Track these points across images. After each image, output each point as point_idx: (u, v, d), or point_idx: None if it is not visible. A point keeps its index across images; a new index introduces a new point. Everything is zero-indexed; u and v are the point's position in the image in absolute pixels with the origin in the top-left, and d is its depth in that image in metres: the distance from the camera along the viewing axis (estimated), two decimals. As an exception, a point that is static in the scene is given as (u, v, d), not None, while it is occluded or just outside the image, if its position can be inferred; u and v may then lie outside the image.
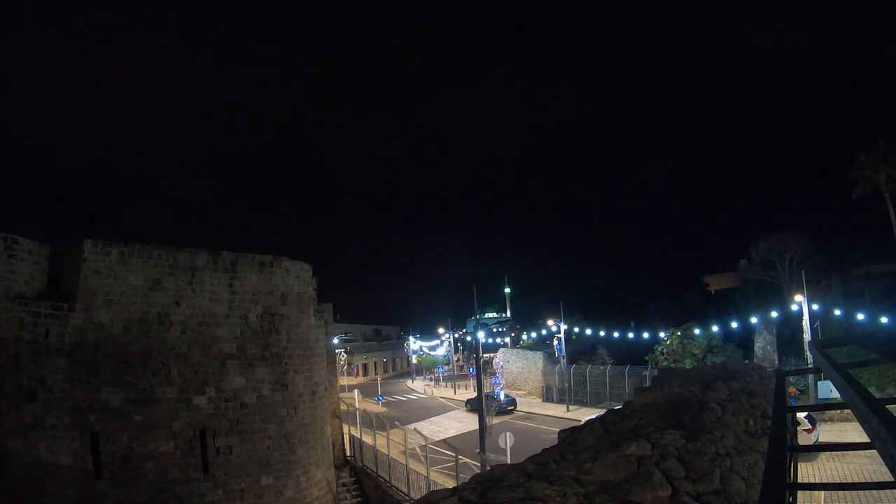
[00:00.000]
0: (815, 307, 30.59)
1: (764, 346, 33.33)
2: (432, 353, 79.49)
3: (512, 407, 39.82)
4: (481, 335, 33.86)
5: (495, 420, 34.97)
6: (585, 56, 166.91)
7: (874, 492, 15.05)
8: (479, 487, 3.57)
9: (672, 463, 3.69)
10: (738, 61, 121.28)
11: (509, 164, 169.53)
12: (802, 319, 29.70)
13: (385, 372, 77.25)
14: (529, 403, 43.41)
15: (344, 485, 23.75)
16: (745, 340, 35.79)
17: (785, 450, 4.06)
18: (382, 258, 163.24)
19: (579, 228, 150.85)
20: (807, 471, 17.64)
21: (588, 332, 48.31)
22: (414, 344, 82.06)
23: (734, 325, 35.68)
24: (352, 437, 27.12)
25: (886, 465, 2.50)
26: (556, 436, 5.52)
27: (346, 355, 63.98)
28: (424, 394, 56.09)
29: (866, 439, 3.24)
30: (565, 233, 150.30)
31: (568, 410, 38.17)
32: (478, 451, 21.89)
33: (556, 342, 46.87)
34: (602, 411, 6.60)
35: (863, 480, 16.90)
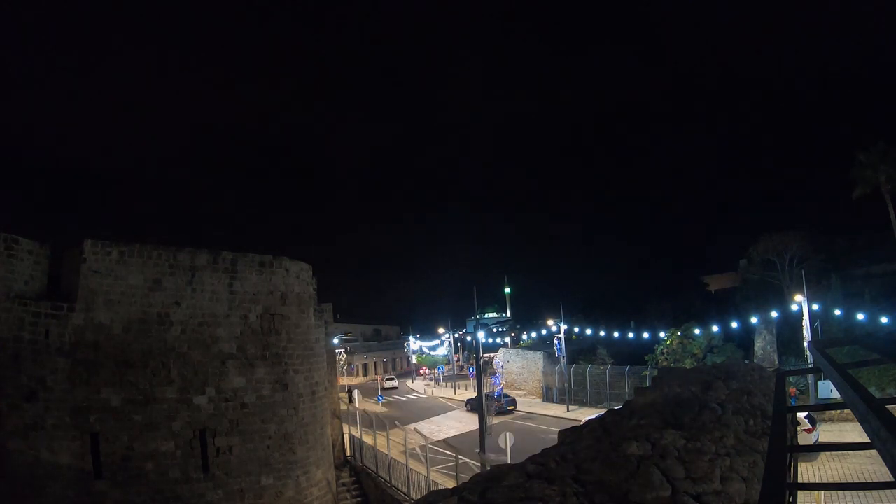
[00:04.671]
0: (815, 307, 30.58)
1: (764, 346, 33.31)
2: (432, 353, 79.51)
3: (512, 407, 39.82)
4: (481, 335, 33.86)
5: (495, 420, 34.97)
6: (586, 55, 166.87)
7: (874, 492, 15.05)
8: (479, 487, 3.58)
9: (672, 463, 3.70)
10: (739, 62, 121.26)
11: (509, 164, 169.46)
12: (802, 319, 29.69)
13: (385, 372, 77.24)
14: (529, 403, 43.41)
15: (344, 485, 23.74)
16: (745, 340, 35.78)
17: (785, 450, 4.05)
18: (382, 258, 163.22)
19: (579, 228, 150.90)
20: (807, 471, 17.63)
21: (588, 332, 48.29)
22: (414, 344, 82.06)
23: (734, 325, 35.65)
24: (352, 437, 27.12)
25: (886, 465, 2.50)
26: (556, 436, 5.53)
27: (346, 355, 63.96)
28: (424, 394, 56.09)
29: (866, 439, 3.24)
30: (565, 233, 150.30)
31: (568, 410, 38.17)
32: (478, 451, 21.90)
33: (556, 342, 46.83)
34: (602, 411, 6.61)
35: (863, 480, 16.90)
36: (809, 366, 20.51)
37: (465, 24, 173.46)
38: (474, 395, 35.88)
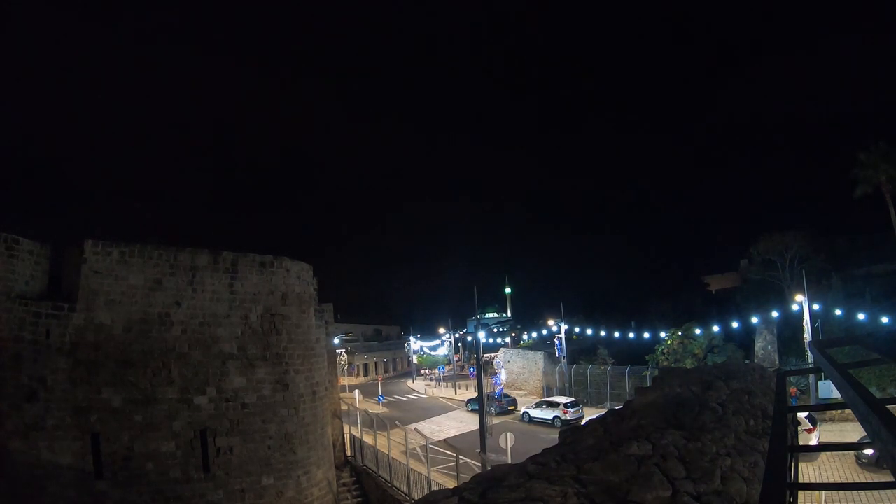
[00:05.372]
0: (815, 307, 30.59)
1: (765, 346, 33.32)
2: (433, 353, 79.48)
3: (512, 407, 39.84)
4: (482, 335, 33.89)
5: (496, 420, 34.96)
6: (588, 55, 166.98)
7: (874, 492, 15.05)
8: (479, 487, 3.58)
9: (673, 463, 3.70)
10: (739, 62, 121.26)
11: (509, 162, 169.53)
12: (803, 319, 29.69)
13: (385, 372, 77.22)
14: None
15: (345, 485, 23.76)
16: (745, 340, 35.78)
17: (785, 450, 4.06)
18: (383, 258, 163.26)
19: (580, 228, 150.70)
20: (807, 471, 17.64)
21: (589, 332, 48.29)
22: (415, 344, 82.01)
23: (735, 325, 35.66)
24: (352, 437, 27.14)
25: (887, 465, 2.50)
26: (557, 436, 5.53)
27: (346, 355, 63.92)
28: (425, 394, 56.08)
29: (867, 439, 3.24)
30: (566, 233, 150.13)
31: (568, 410, 38.11)
32: (478, 451, 21.90)
33: (556, 342, 46.85)
34: (603, 411, 6.61)
35: (863, 480, 16.90)
36: (810, 366, 20.51)
37: (466, 23, 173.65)
38: (475, 395, 35.87)
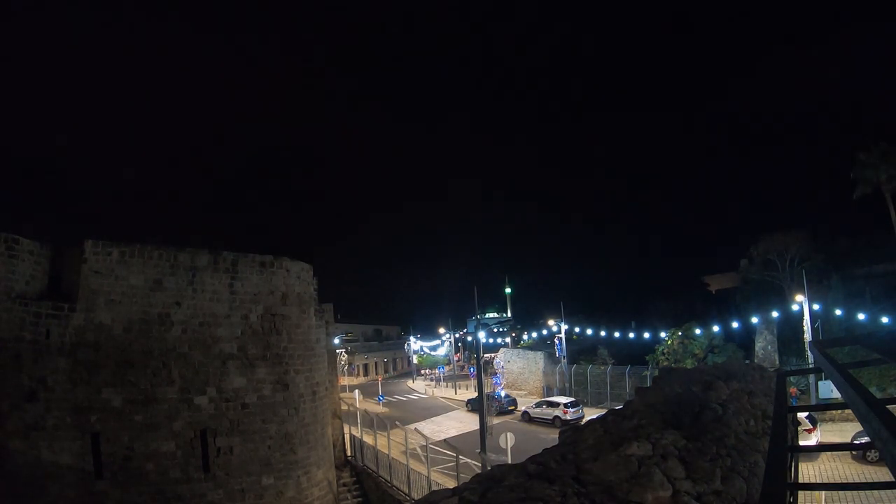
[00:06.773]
0: (815, 307, 30.60)
1: (765, 346, 33.33)
2: (433, 353, 79.52)
3: (513, 407, 39.86)
4: (482, 335, 33.85)
5: (496, 420, 34.97)
6: (589, 51, 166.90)
7: (874, 492, 15.05)
8: (479, 487, 3.58)
9: (673, 463, 3.70)
10: (738, 62, 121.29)
11: (510, 163, 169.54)
12: (803, 319, 29.71)
13: (385, 372, 77.25)
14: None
15: (345, 485, 23.77)
16: (745, 340, 35.80)
17: (786, 450, 4.06)
18: (383, 258, 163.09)
19: (580, 228, 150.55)
20: (807, 471, 17.65)
21: (589, 332, 48.29)
22: (415, 344, 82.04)
23: (735, 325, 35.68)
24: (352, 437, 27.15)
25: (887, 465, 2.50)
26: (557, 436, 5.53)
27: (346, 355, 63.93)
28: (425, 394, 56.11)
29: (866, 439, 3.24)
30: (566, 233, 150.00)
31: (568, 411, 38.12)
32: (478, 451, 21.90)
33: (556, 342, 46.87)
34: (603, 411, 6.61)
35: (863, 480, 16.92)
36: (810, 366, 20.51)
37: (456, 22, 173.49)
38: (475, 395, 35.88)
